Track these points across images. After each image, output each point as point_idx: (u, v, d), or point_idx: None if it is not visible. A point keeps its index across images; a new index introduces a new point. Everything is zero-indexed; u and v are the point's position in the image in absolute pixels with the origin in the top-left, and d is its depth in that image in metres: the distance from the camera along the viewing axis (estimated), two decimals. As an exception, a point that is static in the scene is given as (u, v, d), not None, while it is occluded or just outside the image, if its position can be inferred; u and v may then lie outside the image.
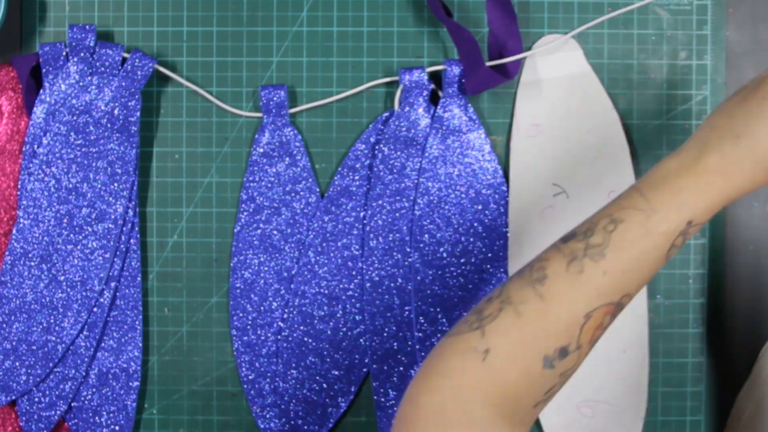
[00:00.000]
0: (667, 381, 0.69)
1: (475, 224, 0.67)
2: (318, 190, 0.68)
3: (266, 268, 0.68)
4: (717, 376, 0.69)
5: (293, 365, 0.67)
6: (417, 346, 0.67)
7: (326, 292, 0.67)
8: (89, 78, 0.66)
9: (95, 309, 0.66)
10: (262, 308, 0.68)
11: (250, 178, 0.68)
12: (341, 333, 0.67)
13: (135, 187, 0.67)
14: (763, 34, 0.70)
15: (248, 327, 0.68)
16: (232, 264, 0.68)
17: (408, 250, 0.67)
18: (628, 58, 0.69)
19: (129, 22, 0.69)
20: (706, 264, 0.69)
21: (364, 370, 0.67)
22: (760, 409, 0.69)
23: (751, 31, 0.70)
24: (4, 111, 0.67)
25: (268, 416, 0.68)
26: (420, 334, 0.67)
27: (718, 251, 0.69)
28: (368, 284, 0.67)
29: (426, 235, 0.67)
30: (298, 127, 0.69)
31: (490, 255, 0.67)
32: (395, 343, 0.67)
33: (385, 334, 0.67)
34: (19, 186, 0.66)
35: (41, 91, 0.66)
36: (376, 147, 0.67)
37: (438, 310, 0.67)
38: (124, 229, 0.66)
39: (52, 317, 0.66)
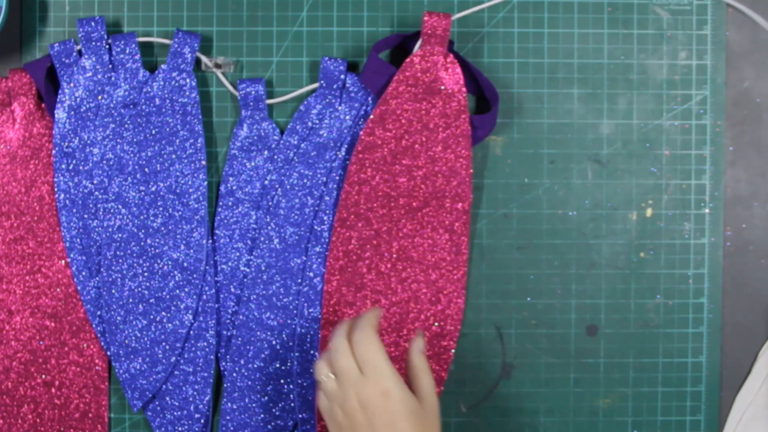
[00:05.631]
0: (666, 381, 0.69)
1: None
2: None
3: (245, 261, 0.68)
4: (717, 376, 0.69)
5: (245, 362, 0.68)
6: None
7: (274, 291, 0.68)
8: (110, 75, 0.66)
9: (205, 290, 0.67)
10: (241, 302, 0.68)
11: (229, 172, 0.68)
12: (292, 335, 0.68)
13: (205, 161, 0.67)
14: (763, 34, 0.70)
15: (228, 321, 0.68)
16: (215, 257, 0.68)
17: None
18: (628, 58, 0.69)
19: (129, 22, 0.69)
20: (706, 264, 0.69)
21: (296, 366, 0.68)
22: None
23: (751, 31, 0.70)
24: (17, 117, 0.67)
25: (236, 407, 0.68)
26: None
27: (718, 251, 0.69)
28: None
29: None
30: (277, 121, 0.69)
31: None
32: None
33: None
34: (56, 189, 0.66)
35: (60, 90, 0.66)
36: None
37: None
38: (203, 202, 0.67)
39: (164, 309, 0.67)
